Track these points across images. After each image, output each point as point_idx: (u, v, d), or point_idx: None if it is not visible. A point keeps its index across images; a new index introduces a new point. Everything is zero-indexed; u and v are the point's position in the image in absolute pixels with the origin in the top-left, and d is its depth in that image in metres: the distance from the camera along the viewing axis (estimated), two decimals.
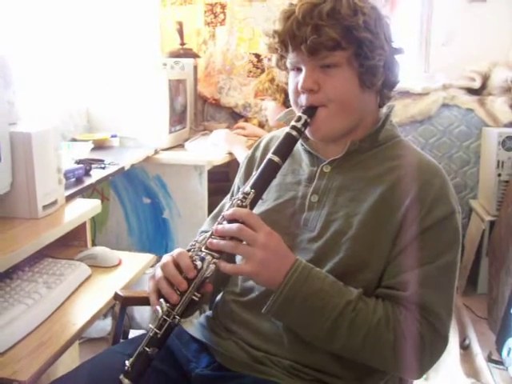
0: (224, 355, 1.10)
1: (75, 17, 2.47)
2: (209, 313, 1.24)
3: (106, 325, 2.38)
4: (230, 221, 0.99)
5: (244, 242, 0.98)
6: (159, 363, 1.07)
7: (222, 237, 0.98)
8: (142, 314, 2.35)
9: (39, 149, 1.41)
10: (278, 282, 0.97)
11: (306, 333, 1.01)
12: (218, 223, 1.01)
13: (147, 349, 0.97)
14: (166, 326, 0.97)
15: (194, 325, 1.21)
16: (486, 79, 3.22)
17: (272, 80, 2.41)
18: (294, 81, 1.08)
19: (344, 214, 1.05)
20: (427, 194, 1.01)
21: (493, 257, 2.81)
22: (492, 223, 2.90)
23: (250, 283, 1.12)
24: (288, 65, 1.09)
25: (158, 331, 0.97)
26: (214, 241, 0.98)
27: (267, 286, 1.01)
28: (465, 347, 2.41)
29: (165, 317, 0.97)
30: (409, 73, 3.25)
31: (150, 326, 0.99)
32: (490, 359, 2.27)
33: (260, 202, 1.04)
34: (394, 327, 0.97)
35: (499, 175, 2.94)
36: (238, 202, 1.00)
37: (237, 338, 1.11)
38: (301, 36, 1.01)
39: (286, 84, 1.13)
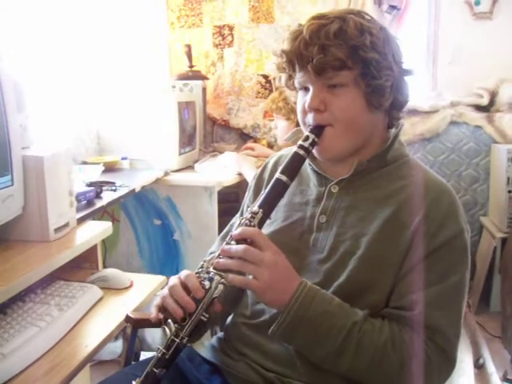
0: (236, 377, 1.09)
1: (86, 41, 2.51)
2: (220, 334, 1.24)
3: (117, 347, 2.38)
4: (238, 240, 0.99)
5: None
6: None
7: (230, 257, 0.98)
8: (153, 335, 2.35)
9: (51, 172, 1.43)
10: (284, 304, 0.96)
11: (312, 355, 0.99)
12: (226, 243, 1.01)
13: (155, 370, 0.97)
14: (174, 346, 0.97)
15: (206, 346, 1.21)
16: (493, 96, 3.22)
17: (286, 99, 2.38)
18: (302, 100, 1.09)
19: (352, 235, 1.05)
20: (436, 213, 1.01)
21: (505, 274, 2.78)
22: (503, 240, 2.88)
23: (261, 306, 1.11)
24: (296, 84, 1.10)
25: (165, 352, 0.97)
26: (221, 260, 0.98)
27: (272, 307, 1.01)
28: (479, 367, 2.36)
29: (173, 337, 0.97)
30: (416, 91, 3.26)
31: (158, 346, 0.98)
32: (505, 378, 2.23)
33: (268, 221, 1.04)
34: (400, 348, 0.96)
35: (509, 192, 2.93)
36: (246, 221, 1.01)
37: (248, 359, 1.10)
38: (307, 56, 1.01)
39: (295, 103, 1.14)
